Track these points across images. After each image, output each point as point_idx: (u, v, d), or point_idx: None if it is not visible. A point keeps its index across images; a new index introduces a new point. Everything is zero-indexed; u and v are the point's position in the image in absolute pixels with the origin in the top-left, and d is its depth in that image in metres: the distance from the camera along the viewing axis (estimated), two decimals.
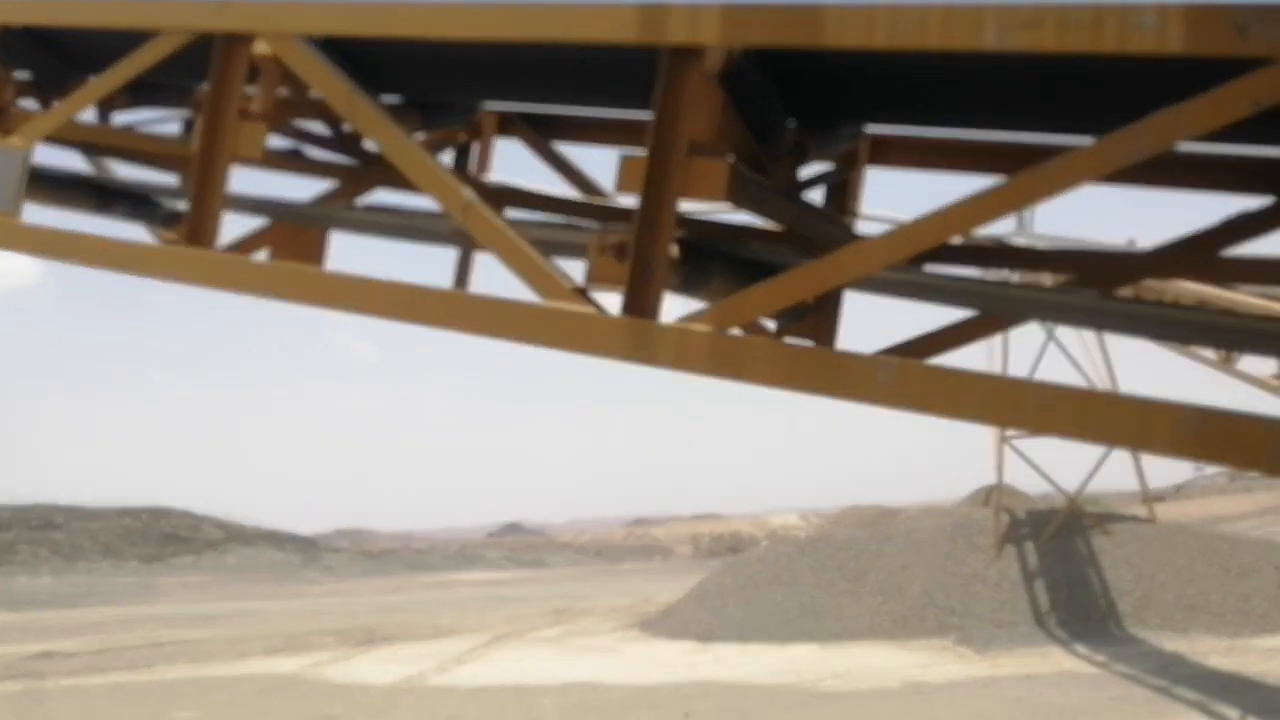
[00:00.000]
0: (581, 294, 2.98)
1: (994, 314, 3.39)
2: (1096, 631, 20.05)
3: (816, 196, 4.00)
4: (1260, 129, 2.47)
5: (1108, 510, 27.37)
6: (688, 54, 2.90)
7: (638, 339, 2.84)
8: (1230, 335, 3.03)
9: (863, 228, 4.07)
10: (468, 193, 3.16)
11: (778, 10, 2.80)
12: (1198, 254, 3.32)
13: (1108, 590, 21.51)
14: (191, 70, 3.84)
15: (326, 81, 3.40)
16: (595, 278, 2.96)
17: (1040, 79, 2.89)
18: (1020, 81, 2.95)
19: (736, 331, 2.88)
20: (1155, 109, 2.34)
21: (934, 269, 3.55)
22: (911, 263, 3.14)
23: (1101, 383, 23.15)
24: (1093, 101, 2.96)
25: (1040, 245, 17.13)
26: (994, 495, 27.39)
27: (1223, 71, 2.28)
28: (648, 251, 2.89)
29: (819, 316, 3.76)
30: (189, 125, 4.69)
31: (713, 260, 3.21)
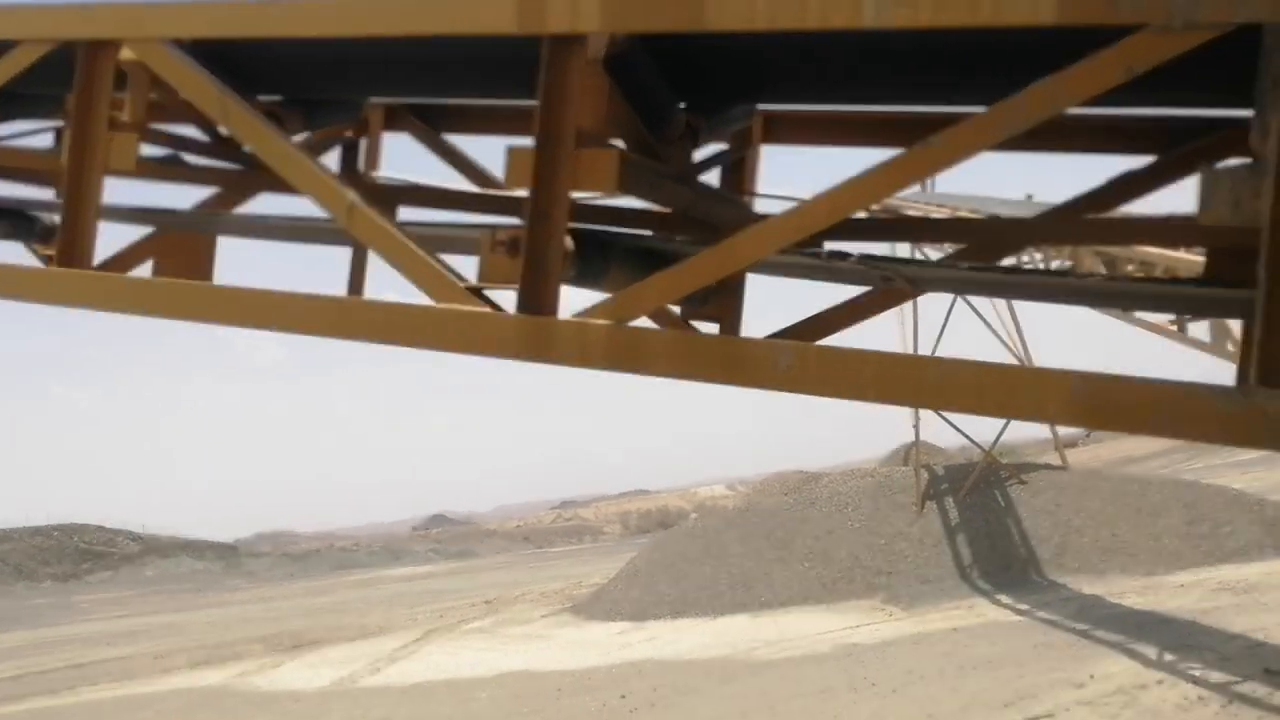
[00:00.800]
0: (475, 293, 2.91)
1: (891, 288, 3.40)
2: (1018, 580, 20.56)
3: (713, 178, 3.97)
4: (1141, 91, 2.50)
5: (1023, 460, 28.09)
6: (570, 42, 2.84)
7: (535, 337, 2.78)
8: (1117, 298, 3.07)
9: (760, 206, 4.06)
10: (351, 194, 3.06)
11: None
12: (1087, 216, 3.36)
13: (1027, 539, 22.05)
14: (62, 79, 3.67)
15: (196, 86, 3.27)
16: (488, 276, 2.89)
17: (926, 51, 2.89)
18: (907, 55, 2.94)
19: (641, 322, 2.84)
20: (1041, 75, 2.35)
21: (832, 245, 3.55)
22: (809, 242, 3.12)
23: (1013, 344, 23.69)
24: (980, 71, 2.97)
25: (937, 213, 17.41)
26: (913, 453, 27.92)
27: (1099, 38, 2.30)
28: (541, 246, 2.83)
29: (723, 298, 3.74)
30: (59, 136, 4.49)
31: (610, 250, 3.16)
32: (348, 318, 3.10)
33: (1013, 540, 22.19)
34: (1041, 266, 15.52)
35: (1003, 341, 23.89)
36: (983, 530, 22.57)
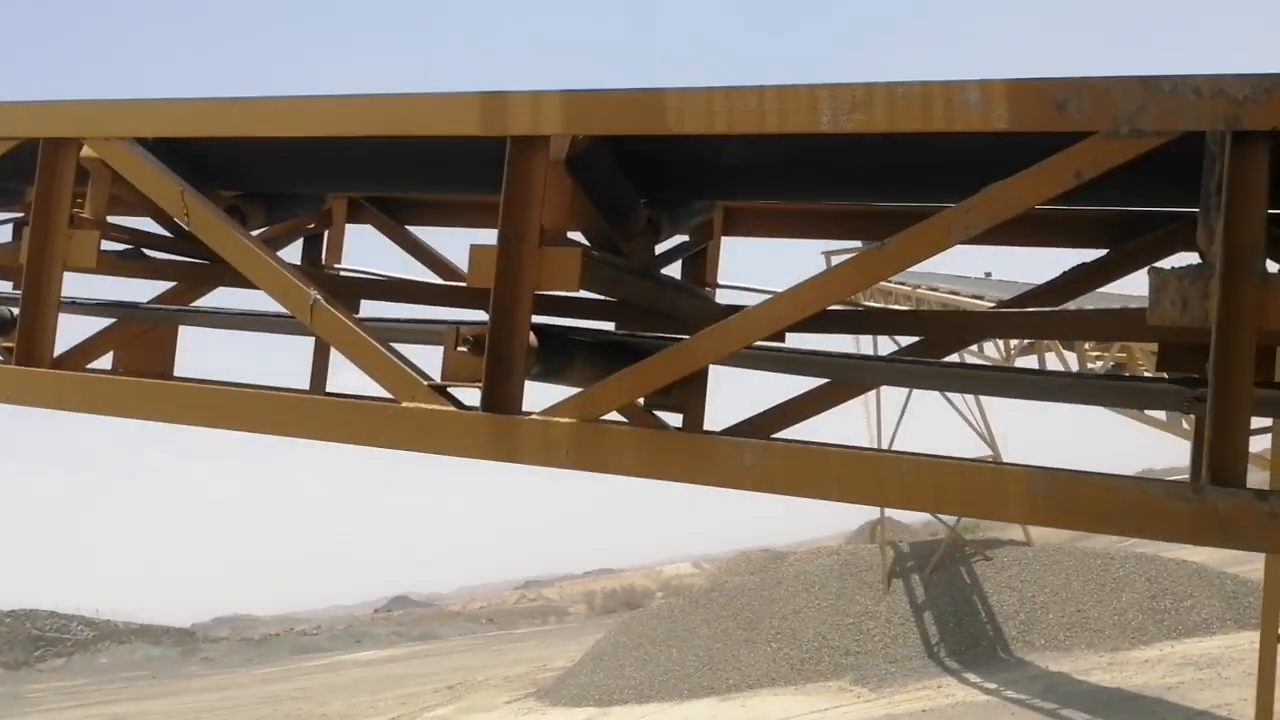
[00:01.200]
0: (439, 391, 2.90)
1: (850, 380, 3.43)
2: (986, 658, 20.48)
3: (676, 269, 4.01)
4: (1099, 189, 2.57)
5: (987, 536, 28.14)
6: (532, 142, 2.88)
7: (498, 436, 2.77)
8: (1068, 393, 3.12)
9: (722, 295, 4.10)
10: (313, 292, 3.06)
11: (618, 98, 2.81)
12: (1041, 309, 3.42)
13: (993, 616, 22.03)
14: (22, 172, 3.67)
15: (157, 183, 3.28)
16: (451, 373, 2.89)
17: (883, 153, 2.95)
18: (865, 157, 3.01)
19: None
20: (997, 175, 2.40)
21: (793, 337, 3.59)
22: (770, 337, 3.15)
23: (980, 428, 23.90)
24: (937, 172, 3.04)
25: (901, 289, 17.58)
26: (879, 530, 27.92)
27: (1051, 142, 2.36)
28: (504, 343, 2.84)
29: (686, 388, 3.75)
30: (18, 229, 4.47)
31: (573, 345, 3.18)
32: (308, 417, 3.07)
33: (979, 617, 22.15)
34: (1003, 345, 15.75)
35: (970, 424, 24.10)
36: (949, 608, 22.53)
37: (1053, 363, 15.10)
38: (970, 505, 2.35)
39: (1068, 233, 3.56)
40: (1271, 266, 3.15)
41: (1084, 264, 3.52)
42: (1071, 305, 3.64)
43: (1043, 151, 2.34)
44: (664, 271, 3.89)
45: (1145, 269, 2.41)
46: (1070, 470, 2.33)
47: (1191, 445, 2.89)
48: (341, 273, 4.53)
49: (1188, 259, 3.42)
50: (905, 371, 3.33)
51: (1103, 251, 3.55)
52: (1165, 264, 2.62)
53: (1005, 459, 26.67)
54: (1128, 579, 22.02)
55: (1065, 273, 3.50)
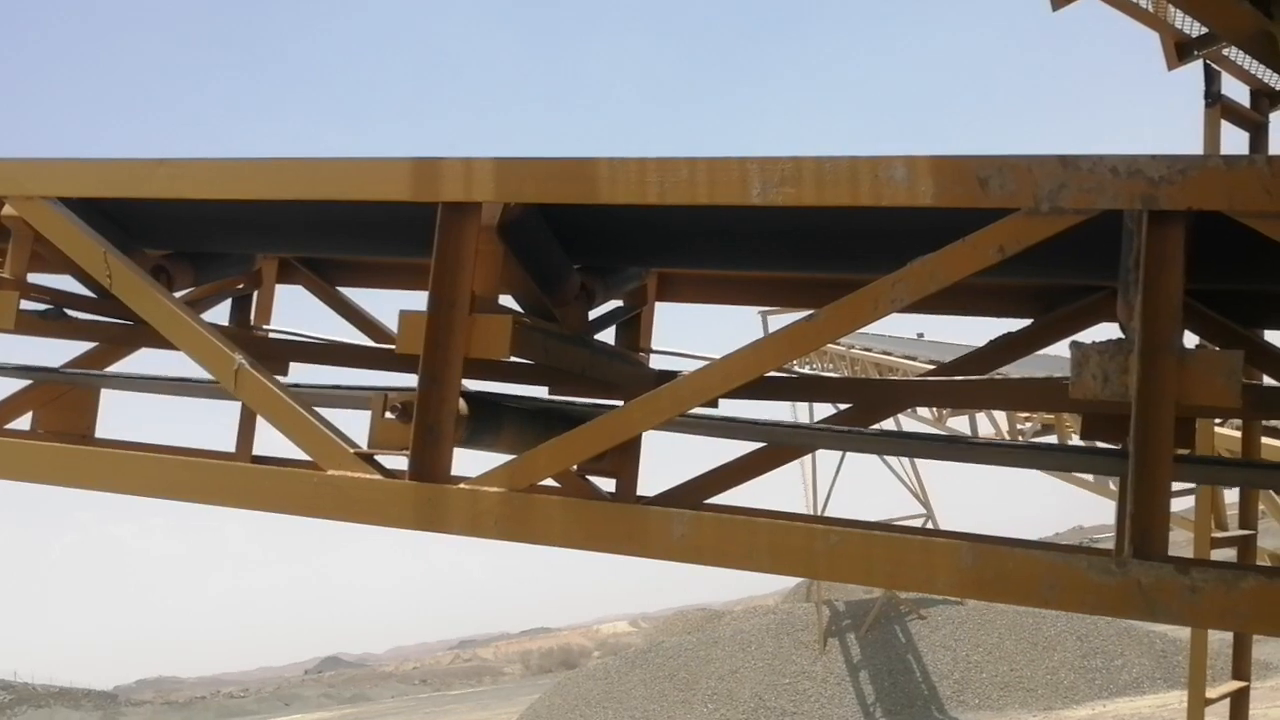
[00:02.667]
0: (365, 459, 2.85)
1: (785, 444, 3.44)
2: (921, 718, 20.48)
3: (609, 335, 4.01)
4: (1019, 261, 2.61)
5: (922, 595, 28.27)
6: (464, 209, 2.87)
7: (425, 505, 2.73)
8: (996, 456, 3.16)
9: (656, 361, 4.10)
10: (238, 356, 3.00)
11: (551, 166, 2.81)
12: (968, 376, 3.47)
13: (928, 675, 22.09)
14: None
15: (79, 243, 3.22)
16: (378, 441, 2.84)
17: (813, 225, 2.99)
18: (795, 228, 3.04)
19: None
20: (926, 248, 2.44)
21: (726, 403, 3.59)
22: (703, 404, 3.15)
23: (915, 488, 24.15)
24: (870, 242, 3.08)
25: (833, 348, 17.77)
26: (814, 589, 27.92)
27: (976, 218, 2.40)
28: (433, 411, 2.81)
29: (619, 454, 3.73)
30: None
31: (504, 411, 3.15)
32: (228, 485, 3.00)
33: (914, 676, 22.19)
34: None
35: (905, 484, 24.35)
36: (884, 667, 22.55)
37: (984, 423, 15.33)
38: (899, 578, 2.36)
39: (994, 303, 3.62)
40: (1193, 339, 3.25)
41: (1009, 333, 3.58)
42: (1002, 372, 3.70)
43: (970, 224, 2.38)
44: (598, 337, 3.89)
45: (1068, 340, 2.46)
46: (997, 542, 2.35)
47: (1116, 515, 2.93)
48: (271, 334, 4.46)
49: (1110, 329, 3.51)
50: (839, 437, 3.35)
51: (1028, 321, 3.62)
52: (1087, 336, 2.68)
53: (939, 517, 26.96)
54: (1059, 638, 22.23)
55: (991, 341, 3.56)
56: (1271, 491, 8.40)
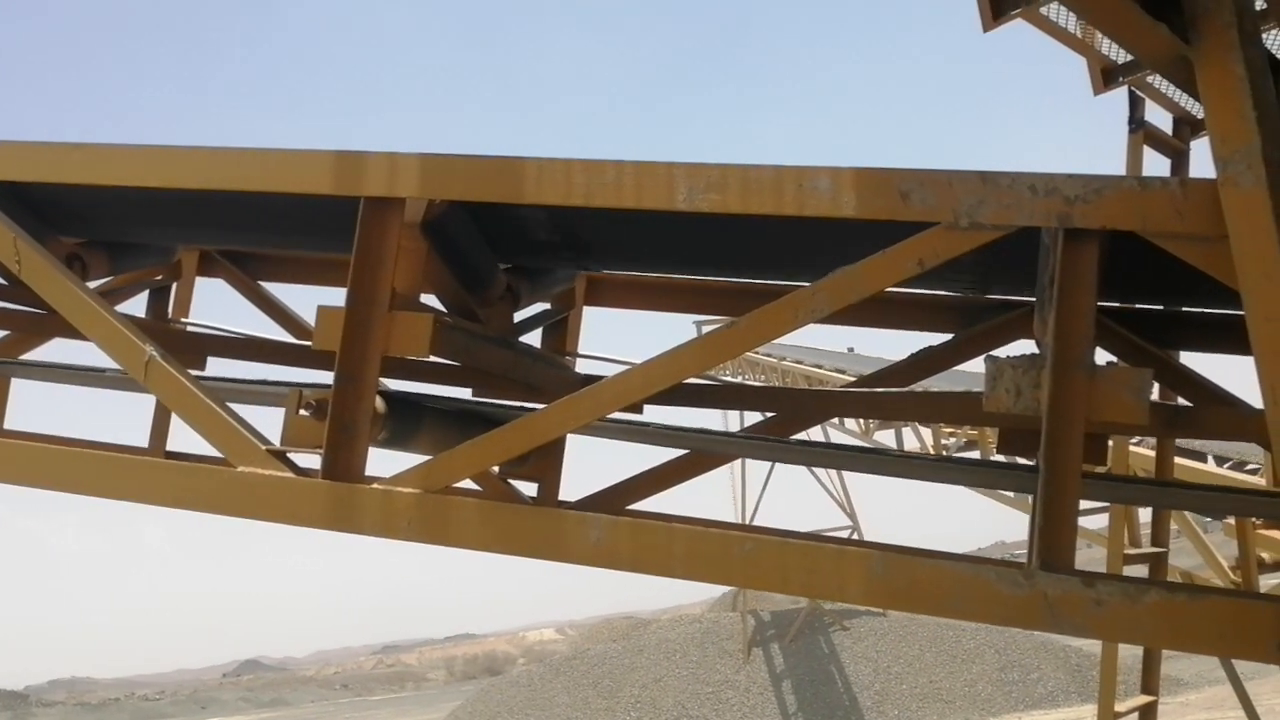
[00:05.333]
0: (278, 457, 2.79)
1: (708, 452, 3.43)
2: None
3: (535, 337, 3.98)
4: (941, 274, 2.64)
5: (846, 606, 28.55)
6: (387, 204, 2.83)
7: (337, 505, 2.67)
8: (912, 470, 3.20)
9: (582, 366, 4.07)
10: (150, 348, 2.92)
11: (478, 164, 2.78)
12: (890, 388, 3.49)
13: (850, 686, 22.30)
14: None
15: None
16: (292, 438, 2.79)
17: (739, 232, 2.98)
18: (721, 234, 3.04)
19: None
20: (850, 258, 2.44)
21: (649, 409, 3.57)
22: (626, 409, 3.14)
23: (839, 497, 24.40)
24: (796, 251, 3.09)
25: (765, 360, 17.88)
26: (740, 599, 28.05)
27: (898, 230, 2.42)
28: (348, 409, 2.75)
29: (542, 457, 3.70)
30: None
31: (423, 411, 3.10)
32: (136, 480, 2.92)
33: (836, 687, 22.39)
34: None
35: (830, 494, 24.58)
36: (807, 677, 22.73)
37: (909, 436, 15.53)
38: (813, 587, 2.36)
39: (916, 316, 3.65)
40: (1110, 357, 3.31)
41: (930, 347, 3.61)
42: (929, 385, 3.74)
43: (898, 237, 2.40)
44: (524, 339, 3.85)
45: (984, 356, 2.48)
46: (908, 552, 2.37)
47: (1029, 528, 2.97)
48: (189, 327, 4.35)
49: (1028, 345, 3.56)
50: (760, 446, 3.36)
51: (949, 335, 3.65)
52: (1004, 352, 2.71)
53: (866, 529, 27.26)
54: (978, 651, 22.58)
55: (912, 354, 3.58)
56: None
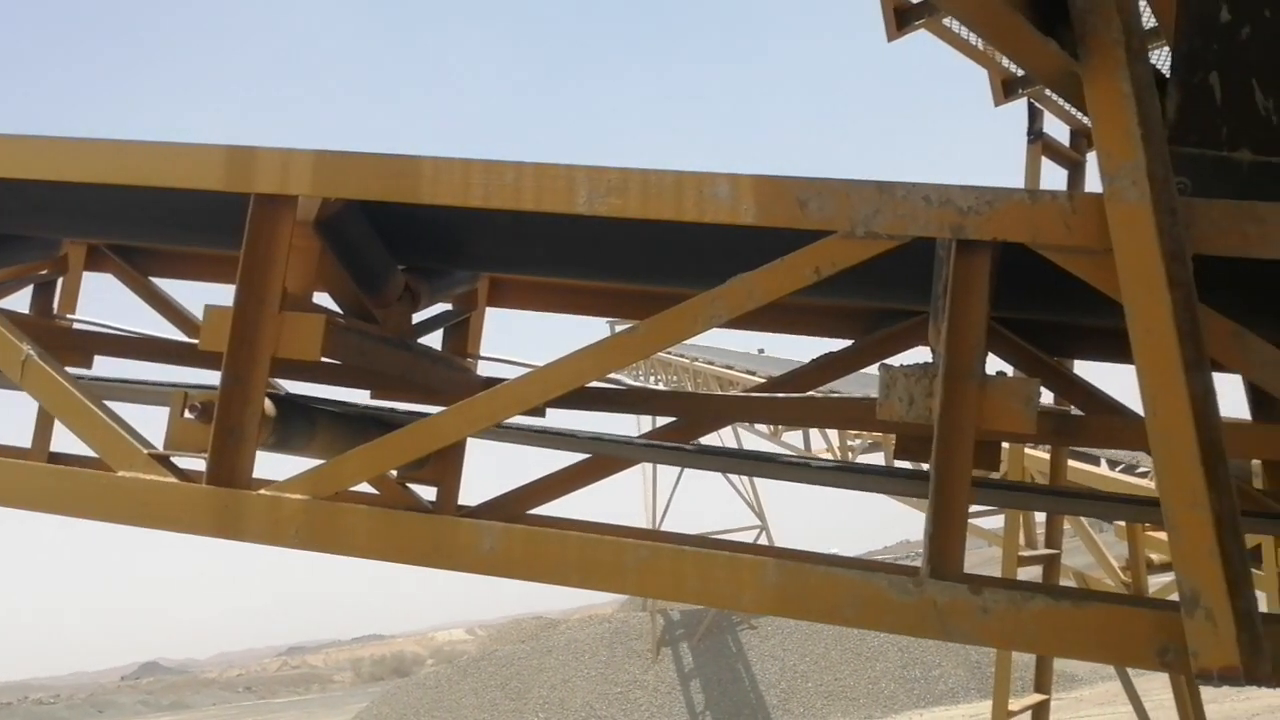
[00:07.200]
0: (160, 460, 2.70)
1: (609, 457, 3.41)
2: None
3: (436, 339, 3.91)
4: (841, 282, 2.65)
5: None
6: (278, 201, 2.75)
7: (221, 511, 2.59)
8: (814, 475, 3.22)
9: (484, 369, 4.02)
10: (26, 346, 2.80)
11: (373, 162, 2.72)
12: (787, 394, 3.51)
13: (756, 685, 22.50)
14: None
15: None
16: (175, 442, 2.69)
17: (641, 237, 2.97)
18: (624, 239, 3.01)
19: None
20: (751, 264, 2.44)
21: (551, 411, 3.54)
22: (527, 412, 3.10)
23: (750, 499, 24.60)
24: (698, 257, 3.07)
25: (677, 360, 17.95)
26: (650, 598, 28.13)
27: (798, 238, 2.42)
28: (236, 412, 2.67)
29: (440, 462, 3.64)
30: None
31: (316, 415, 3.02)
32: (11, 484, 2.79)
33: (743, 686, 22.58)
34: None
35: (740, 495, 24.80)
36: (715, 676, 22.89)
37: (816, 438, 15.72)
38: (707, 595, 2.35)
39: (816, 322, 3.68)
40: (1005, 366, 3.37)
41: (831, 352, 3.64)
42: (834, 388, 3.76)
43: (800, 245, 2.40)
44: (424, 341, 3.79)
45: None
46: (802, 559, 2.37)
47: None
48: (75, 324, 4.19)
49: (926, 352, 3.61)
50: (661, 451, 3.35)
51: (850, 341, 3.69)
52: (898, 360, 2.73)
53: (774, 529, 27.54)
54: (882, 649, 22.97)
55: (813, 360, 3.61)
56: None
